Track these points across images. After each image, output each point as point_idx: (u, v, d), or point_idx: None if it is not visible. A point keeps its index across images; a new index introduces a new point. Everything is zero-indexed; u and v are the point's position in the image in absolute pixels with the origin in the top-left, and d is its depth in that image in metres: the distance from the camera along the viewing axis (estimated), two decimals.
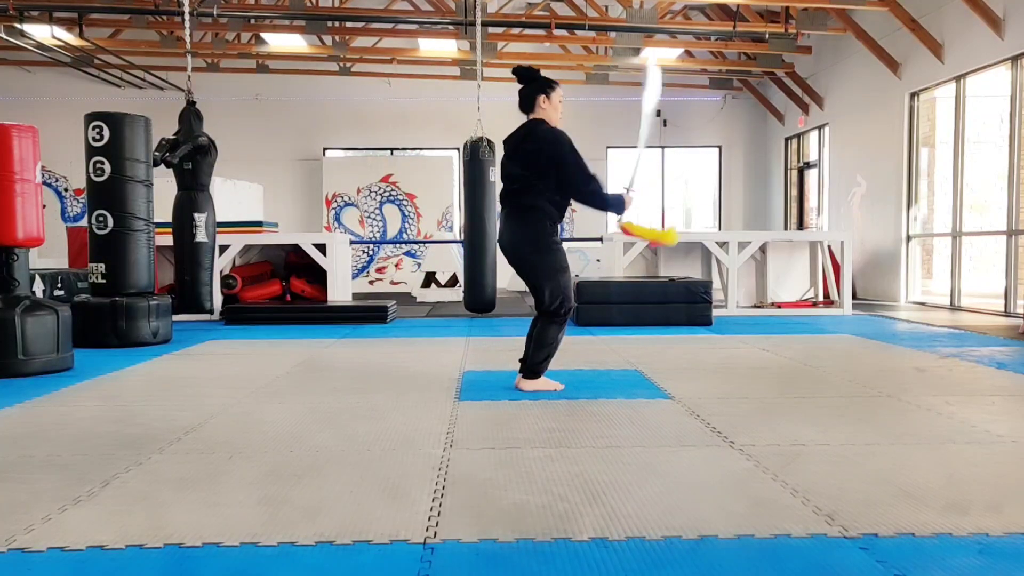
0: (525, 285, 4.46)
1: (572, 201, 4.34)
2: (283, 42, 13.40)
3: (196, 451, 3.12)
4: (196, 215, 7.45)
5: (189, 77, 7.80)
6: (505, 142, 4.40)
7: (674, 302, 8.01)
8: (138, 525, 2.27)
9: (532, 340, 4.34)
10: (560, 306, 4.24)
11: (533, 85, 4.33)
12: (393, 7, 13.96)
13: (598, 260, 14.17)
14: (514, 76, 4.41)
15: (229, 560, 2.04)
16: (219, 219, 8.00)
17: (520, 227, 4.25)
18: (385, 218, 15.33)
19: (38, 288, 8.24)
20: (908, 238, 11.15)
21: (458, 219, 14.88)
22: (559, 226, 4.33)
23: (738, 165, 16.75)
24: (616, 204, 4.23)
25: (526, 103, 4.35)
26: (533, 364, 4.34)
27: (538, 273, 4.25)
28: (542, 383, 4.38)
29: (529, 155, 4.21)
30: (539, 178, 4.19)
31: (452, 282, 12.46)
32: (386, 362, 5.55)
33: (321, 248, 9.24)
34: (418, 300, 11.98)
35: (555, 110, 4.34)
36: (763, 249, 9.77)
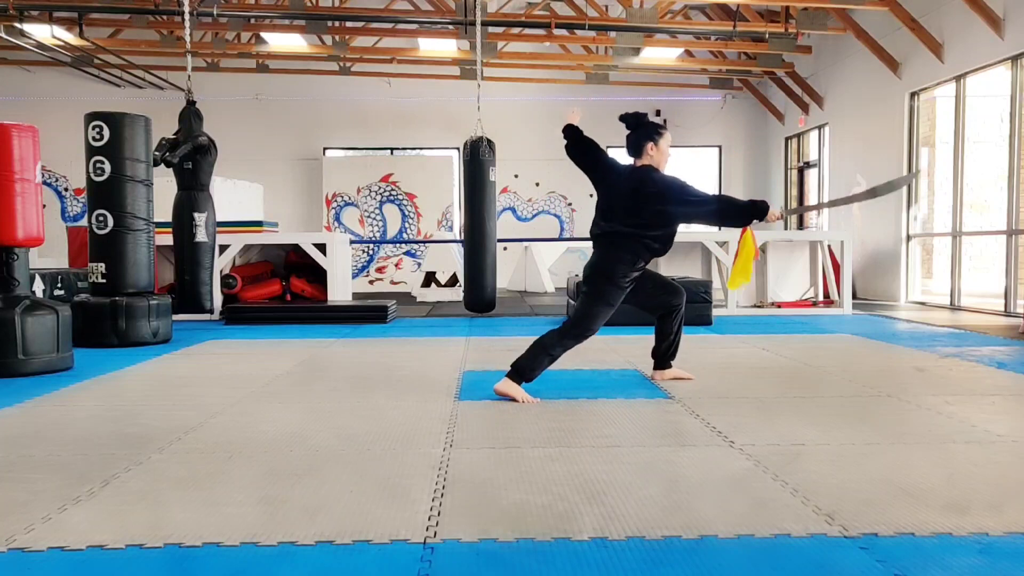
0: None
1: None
2: (283, 42, 13.39)
3: (196, 451, 3.12)
4: (196, 215, 7.45)
5: (189, 77, 7.80)
6: (611, 175, 4.40)
7: None
8: (138, 525, 2.27)
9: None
10: (576, 328, 4.26)
11: (641, 131, 4.31)
12: (393, 7, 13.95)
13: None
14: (622, 122, 4.38)
15: (229, 560, 2.04)
16: (219, 219, 8.00)
17: (604, 258, 4.30)
18: (385, 218, 15.33)
19: (38, 288, 8.24)
20: (908, 238, 11.15)
21: (458, 219, 14.88)
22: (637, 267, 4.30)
23: (738, 165, 16.75)
24: (758, 208, 4.15)
25: (634, 149, 4.34)
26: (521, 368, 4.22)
27: (587, 295, 4.30)
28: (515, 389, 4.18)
29: (647, 200, 4.18)
30: (645, 221, 4.20)
31: (452, 282, 12.46)
32: (386, 362, 5.55)
33: (321, 248, 9.24)
34: (418, 300, 11.98)
35: (663, 156, 4.31)
36: (763, 249, 9.76)
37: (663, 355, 4.69)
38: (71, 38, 12.64)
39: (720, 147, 16.74)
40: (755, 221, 4.17)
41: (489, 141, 8.77)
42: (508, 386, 4.14)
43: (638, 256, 4.27)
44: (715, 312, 8.27)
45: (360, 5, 13.60)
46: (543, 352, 4.20)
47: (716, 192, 4.20)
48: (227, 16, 11.50)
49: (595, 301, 4.28)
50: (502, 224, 13.45)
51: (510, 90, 15.39)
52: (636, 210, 4.21)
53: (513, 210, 16.33)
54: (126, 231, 6.54)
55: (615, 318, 7.81)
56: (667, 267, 10.00)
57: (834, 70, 13.24)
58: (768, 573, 1.96)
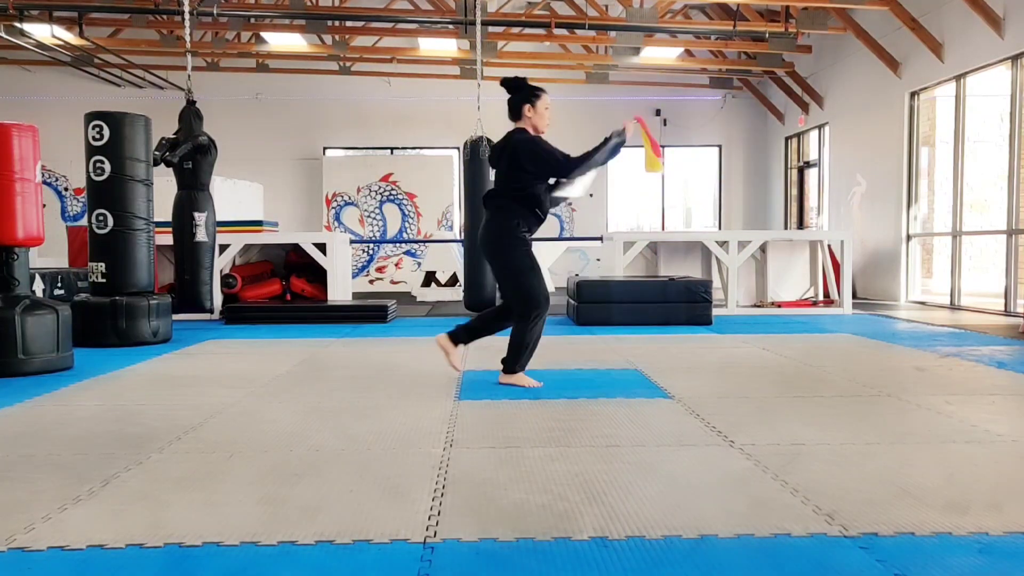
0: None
1: (572, 183, 4.54)
2: (283, 41, 13.39)
3: (196, 450, 3.12)
4: (196, 214, 7.45)
5: (189, 76, 7.80)
6: (492, 148, 4.65)
7: (674, 301, 8.01)
8: (138, 524, 2.27)
9: (510, 339, 4.55)
10: (526, 307, 4.39)
11: (519, 95, 4.50)
12: (393, 6, 13.95)
13: (598, 260, 14.17)
14: (502, 87, 4.55)
15: (229, 559, 2.04)
16: (219, 218, 8.00)
17: (488, 227, 4.46)
18: (385, 217, 15.33)
19: (38, 287, 8.24)
20: (908, 237, 11.15)
21: (458, 218, 14.89)
22: (529, 228, 4.47)
23: (738, 164, 16.75)
24: (609, 151, 4.41)
25: (513, 112, 4.53)
26: (508, 361, 4.57)
27: (503, 274, 4.48)
28: (518, 378, 4.55)
29: (509, 161, 4.42)
30: (515, 182, 4.40)
31: (452, 281, 12.46)
32: (386, 362, 5.55)
33: (321, 247, 9.24)
34: (418, 299, 11.98)
35: (541, 117, 4.50)
36: (763, 248, 9.77)
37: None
38: (71, 38, 12.64)
39: (720, 147, 16.74)
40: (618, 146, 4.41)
41: (489, 141, 8.76)
42: (509, 378, 4.54)
43: (520, 217, 4.40)
44: (715, 312, 8.26)
45: (360, 5, 13.59)
46: (522, 346, 4.48)
47: (563, 155, 4.40)
48: (227, 16, 11.50)
49: (515, 272, 4.42)
50: None
51: None
52: (505, 168, 4.44)
53: None
54: (126, 231, 6.54)
55: (615, 317, 7.87)
56: (667, 266, 10.01)
57: (834, 70, 13.24)
58: (768, 573, 1.96)
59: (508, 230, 4.38)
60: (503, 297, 4.55)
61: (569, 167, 4.39)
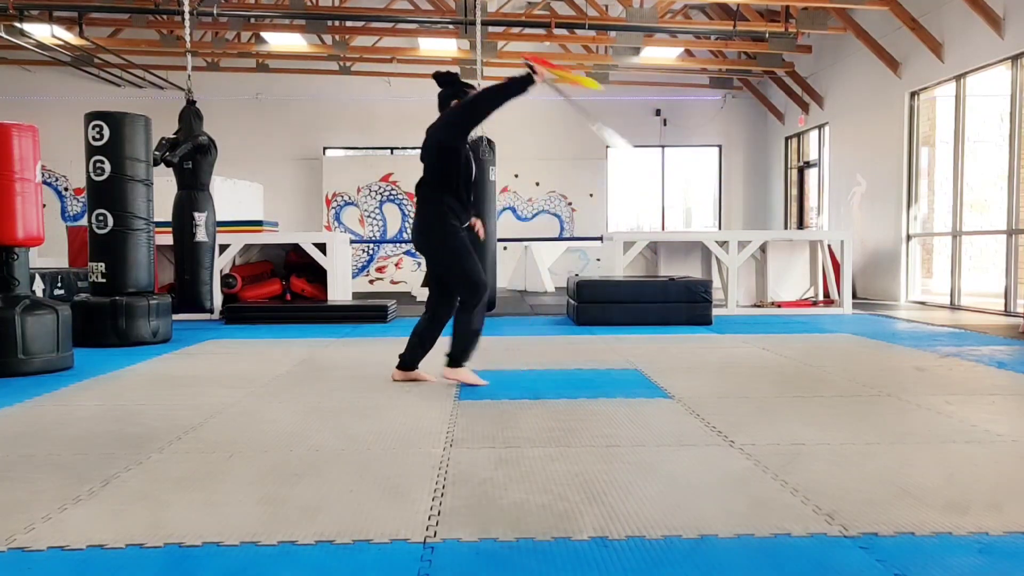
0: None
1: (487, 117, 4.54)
2: (283, 41, 13.39)
3: (196, 450, 3.12)
4: (196, 214, 7.45)
5: (189, 76, 7.80)
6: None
7: (674, 301, 8.01)
8: (138, 524, 2.27)
9: (453, 331, 4.53)
10: (471, 292, 4.42)
11: (449, 89, 4.56)
12: (393, 6, 13.95)
13: (598, 260, 14.18)
14: (434, 79, 4.59)
15: (229, 559, 2.04)
16: (219, 218, 8.00)
17: (421, 218, 4.47)
18: (385, 217, 15.33)
19: (38, 287, 8.24)
20: (908, 237, 11.15)
21: None
22: (458, 216, 4.46)
23: (738, 164, 16.75)
24: (520, 80, 4.27)
25: (442, 106, 4.59)
26: (454, 353, 4.53)
27: (445, 262, 4.46)
28: (463, 373, 4.53)
29: (427, 150, 4.48)
30: (438, 169, 4.43)
31: None
32: (386, 362, 5.54)
33: (321, 247, 9.24)
34: (418, 299, 11.98)
35: None
36: (763, 248, 9.77)
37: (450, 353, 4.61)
38: (71, 38, 12.64)
39: (720, 147, 16.74)
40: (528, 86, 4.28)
41: (489, 141, 8.77)
42: (453, 373, 4.51)
43: (446, 205, 4.40)
44: (715, 312, 8.26)
45: (360, 4, 13.59)
46: (467, 336, 4.47)
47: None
48: (227, 16, 11.50)
49: (454, 255, 4.39)
50: (502, 224, 13.45)
51: None
52: (426, 155, 4.48)
53: (513, 210, 16.33)
54: (126, 231, 6.54)
55: (615, 317, 7.87)
56: (667, 266, 10.00)
57: (834, 70, 13.24)
58: (768, 573, 1.96)
59: (439, 218, 4.41)
60: (452, 287, 4.52)
61: (476, 104, 4.37)
